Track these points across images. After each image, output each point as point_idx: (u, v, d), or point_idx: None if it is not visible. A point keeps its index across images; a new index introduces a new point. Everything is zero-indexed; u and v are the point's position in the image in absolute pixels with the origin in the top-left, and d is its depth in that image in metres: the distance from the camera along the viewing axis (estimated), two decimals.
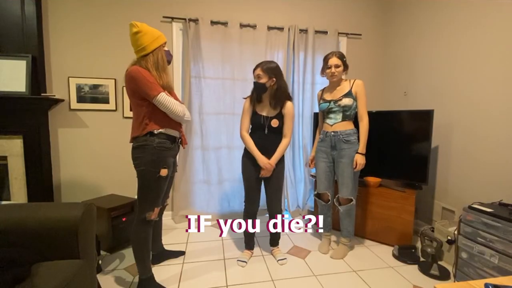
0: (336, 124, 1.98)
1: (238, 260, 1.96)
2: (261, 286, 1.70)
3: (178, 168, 1.85)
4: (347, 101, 1.93)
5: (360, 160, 1.89)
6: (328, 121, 2.03)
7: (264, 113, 1.87)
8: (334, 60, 1.93)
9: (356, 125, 1.98)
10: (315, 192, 2.20)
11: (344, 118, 1.96)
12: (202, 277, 1.77)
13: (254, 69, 1.82)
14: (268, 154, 1.86)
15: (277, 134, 1.88)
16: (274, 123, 1.84)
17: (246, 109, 1.90)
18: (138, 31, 1.44)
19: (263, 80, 1.78)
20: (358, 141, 1.95)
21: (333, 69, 1.93)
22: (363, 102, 1.94)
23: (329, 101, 2.01)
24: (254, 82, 1.82)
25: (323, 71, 2.03)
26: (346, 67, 1.98)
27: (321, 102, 2.08)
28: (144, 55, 1.47)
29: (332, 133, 1.99)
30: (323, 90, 2.13)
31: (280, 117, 1.85)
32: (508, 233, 1.44)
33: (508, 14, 1.82)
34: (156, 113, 1.49)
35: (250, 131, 1.94)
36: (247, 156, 1.91)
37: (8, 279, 0.96)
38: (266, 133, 1.86)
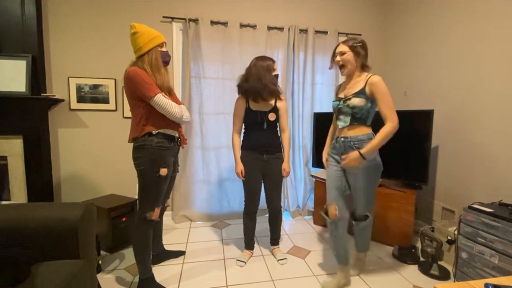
0: (344, 128, 1.60)
1: (237, 260, 1.96)
2: (261, 286, 1.70)
3: (178, 168, 1.84)
4: (357, 101, 1.52)
5: (353, 157, 1.47)
6: (338, 122, 1.66)
7: (259, 109, 1.87)
8: (339, 47, 1.60)
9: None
10: (325, 207, 1.70)
11: (353, 122, 1.56)
12: (202, 277, 1.77)
13: None
14: (272, 148, 1.89)
15: (275, 128, 1.92)
16: (272, 116, 1.86)
17: (239, 108, 1.90)
18: (135, 32, 1.46)
19: None
20: None
21: (338, 57, 1.60)
22: (384, 101, 1.47)
23: (340, 100, 1.64)
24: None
25: (331, 63, 1.70)
26: (357, 54, 1.56)
27: (334, 100, 1.74)
28: (141, 55, 1.48)
29: (342, 139, 1.62)
30: (340, 86, 1.77)
31: (276, 111, 1.88)
32: (508, 233, 1.44)
33: (508, 15, 1.82)
34: (154, 114, 1.49)
35: (244, 130, 1.96)
36: (247, 154, 1.91)
37: (8, 279, 0.96)
38: (265, 128, 1.87)
